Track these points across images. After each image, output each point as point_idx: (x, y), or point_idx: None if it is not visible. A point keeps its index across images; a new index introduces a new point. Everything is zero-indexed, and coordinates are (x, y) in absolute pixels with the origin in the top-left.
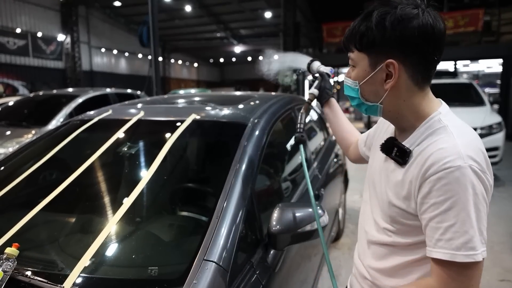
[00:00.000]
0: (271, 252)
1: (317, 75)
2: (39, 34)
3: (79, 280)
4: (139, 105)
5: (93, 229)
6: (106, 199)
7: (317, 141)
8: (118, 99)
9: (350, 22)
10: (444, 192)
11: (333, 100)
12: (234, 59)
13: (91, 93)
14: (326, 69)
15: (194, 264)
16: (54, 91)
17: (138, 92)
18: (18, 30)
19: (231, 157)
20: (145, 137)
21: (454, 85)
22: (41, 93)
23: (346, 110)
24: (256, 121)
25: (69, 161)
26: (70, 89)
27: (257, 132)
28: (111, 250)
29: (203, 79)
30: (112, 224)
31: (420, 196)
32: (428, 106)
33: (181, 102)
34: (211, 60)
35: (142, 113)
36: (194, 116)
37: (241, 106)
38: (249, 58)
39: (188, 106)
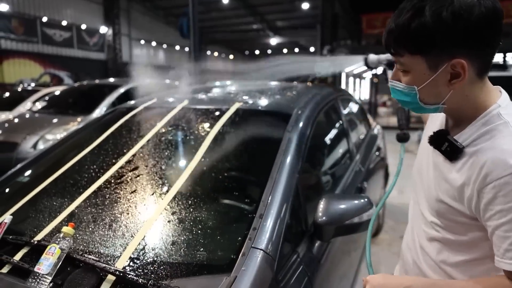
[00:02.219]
0: (317, 243)
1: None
2: (83, 27)
3: (130, 261)
4: (183, 93)
5: (142, 213)
6: (153, 185)
7: (359, 133)
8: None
9: (391, 13)
10: (511, 198)
11: None
12: (269, 51)
13: (132, 83)
14: (388, 56)
15: (242, 251)
16: (97, 81)
17: (176, 83)
18: (64, 23)
19: (275, 146)
20: (189, 125)
21: (506, 78)
22: (85, 83)
23: (383, 104)
24: (300, 111)
25: (116, 147)
26: (112, 79)
27: (301, 122)
28: (160, 234)
29: (238, 71)
30: (159, 209)
31: (484, 202)
32: (486, 97)
33: (224, 91)
34: (247, 52)
35: (186, 101)
36: (237, 105)
37: (284, 95)
38: (285, 50)
39: (233, 94)
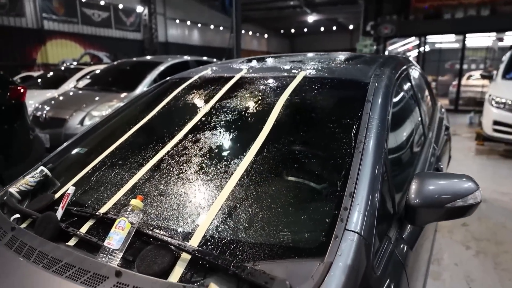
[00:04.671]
0: (408, 228)
1: None
2: (120, 6)
3: (204, 240)
4: (240, 63)
5: (212, 188)
6: (221, 159)
7: (429, 109)
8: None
9: None
10: None
11: None
12: (305, 30)
13: (172, 61)
14: None
15: (334, 233)
16: (134, 59)
17: (214, 60)
18: (102, 3)
19: (354, 118)
20: (249, 96)
21: None
22: (125, 60)
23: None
24: (378, 79)
25: (174, 119)
26: (150, 57)
27: (382, 91)
28: (235, 211)
29: (273, 51)
30: (231, 185)
31: None
32: None
33: (284, 60)
34: (282, 31)
35: (245, 70)
36: (304, 73)
37: (353, 64)
38: (322, 28)
39: (295, 63)
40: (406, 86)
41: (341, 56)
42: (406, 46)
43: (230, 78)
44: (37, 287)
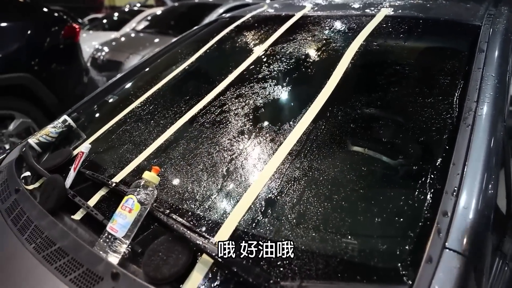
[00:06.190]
0: None
1: None
2: None
3: (233, 238)
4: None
5: (247, 165)
6: (262, 125)
7: None
8: None
9: None
10: None
11: None
12: None
13: (232, 3)
14: None
15: (426, 253)
16: (197, 0)
17: None
18: None
19: (458, 75)
20: (311, 40)
21: None
22: (183, 2)
23: None
24: (493, 20)
25: (215, 68)
26: None
27: (501, 38)
28: (279, 199)
29: None
30: (277, 162)
31: None
32: None
33: None
34: None
35: (308, 8)
36: (386, 11)
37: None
38: None
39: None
40: None
41: None
42: None
43: (289, 17)
44: (19, 275)
